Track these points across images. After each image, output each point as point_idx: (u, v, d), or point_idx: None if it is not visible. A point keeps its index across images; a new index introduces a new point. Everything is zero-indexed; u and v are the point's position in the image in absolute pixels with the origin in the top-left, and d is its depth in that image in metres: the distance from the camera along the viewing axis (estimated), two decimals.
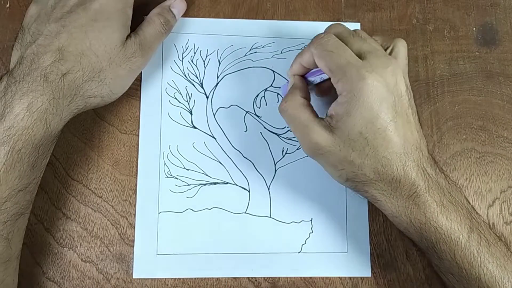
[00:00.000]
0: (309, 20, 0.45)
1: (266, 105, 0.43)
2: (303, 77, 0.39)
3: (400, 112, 0.34)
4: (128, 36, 0.37)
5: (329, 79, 0.36)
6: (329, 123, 0.35)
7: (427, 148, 0.36)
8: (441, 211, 0.34)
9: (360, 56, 0.34)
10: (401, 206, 0.35)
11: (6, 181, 0.32)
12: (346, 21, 0.45)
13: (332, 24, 0.37)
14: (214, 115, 0.42)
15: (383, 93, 0.33)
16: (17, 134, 0.32)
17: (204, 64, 0.43)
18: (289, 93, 0.38)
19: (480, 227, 0.34)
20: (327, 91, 0.40)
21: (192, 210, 0.40)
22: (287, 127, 0.42)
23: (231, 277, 0.40)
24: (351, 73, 0.33)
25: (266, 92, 0.43)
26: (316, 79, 0.38)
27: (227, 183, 0.41)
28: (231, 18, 0.44)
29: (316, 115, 0.36)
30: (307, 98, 0.38)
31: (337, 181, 0.37)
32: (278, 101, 0.43)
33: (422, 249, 0.37)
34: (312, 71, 0.38)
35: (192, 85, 0.43)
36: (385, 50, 0.38)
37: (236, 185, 0.41)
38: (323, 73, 0.36)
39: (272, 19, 0.44)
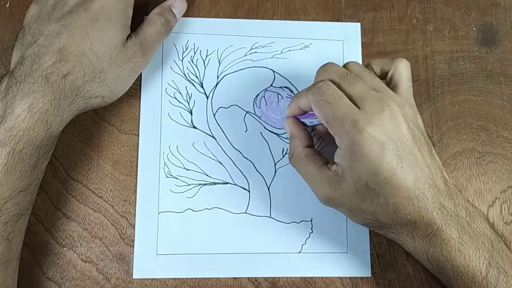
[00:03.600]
0: (309, 20, 0.45)
1: (266, 105, 0.43)
2: (298, 119, 0.39)
3: (404, 156, 0.33)
4: (129, 37, 0.37)
5: None
6: (336, 172, 0.34)
7: (443, 179, 0.35)
8: (459, 248, 0.33)
9: (355, 102, 0.33)
10: (419, 245, 0.35)
11: (7, 182, 0.32)
12: (346, 21, 0.45)
13: (325, 66, 0.36)
14: (214, 115, 0.42)
15: (382, 143, 0.32)
16: (18, 135, 0.32)
17: (204, 64, 0.43)
18: (291, 145, 0.38)
19: (501, 259, 0.34)
20: (327, 133, 0.39)
21: (192, 210, 0.40)
22: None
23: (231, 277, 0.40)
24: (347, 126, 0.33)
25: (266, 92, 0.43)
26: (313, 121, 0.38)
27: (227, 183, 0.41)
28: (231, 18, 0.44)
29: (322, 163, 0.36)
30: (310, 144, 0.38)
31: None
32: (278, 101, 0.43)
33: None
34: (309, 112, 0.37)
35: (192, 85, 0.43)
36: (385, 75, 0.38)
37: (236, 185, 0.41)
38: None
39: (272, 19, 0.44)
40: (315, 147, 0.40)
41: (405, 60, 0.38)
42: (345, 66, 0.37)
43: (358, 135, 0.32)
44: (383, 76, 0.39)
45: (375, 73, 0.39)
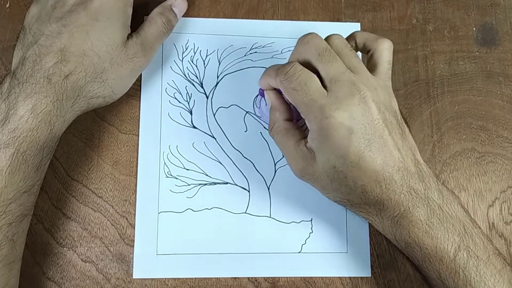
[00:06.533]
0: (309, 20, 0.45)
1: (266, 105, 0.43)
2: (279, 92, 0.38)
3: (373, 139, 0.33)
4: (130, 36, 0.37)
5: None
6: (310, 149, 0.35)
7: (414, 161, 0.35)
8: (426, 230, 0.33)
9: (326, 84, 0.33)
10: (387, 225, 0.35)
11: (11, 183, 0.32)
12: (346, 21, 0.45)
13: (306, 37, 0.35)
14: (214, 115, 0.42)
15: (350, 128, 0.32)
16: (22, 136, 0.32)
17: (204, 64, 0.43)
18: (271, 117, 0.38)
19: (473, 243, 0.33)
20: None
21: (192, 210, 0.40)
22: None
23: (231, 277, 0.40)
24: (315, 112, 0.33)
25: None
26: None
27: (227, 183, 0.41)
28: (231, 18, 0.44)
29: (300, 137, 0.36)
30: (289, 117, 0.38)
31: None
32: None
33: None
34: None
35: (192, 85, 0.43)
36: (367, 52, 0.37)
37: (236, 185, 0.41)
38: None
39: (272, 19, 0.44)
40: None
41: (389, 41, 0.37)
42: (327, 39, 0.36)
43: (325, 120, 0.32)
44: (364, 51, 0.38)
45: (356, 46, 0.38)
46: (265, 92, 0.39)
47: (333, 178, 0.34)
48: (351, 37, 0.38)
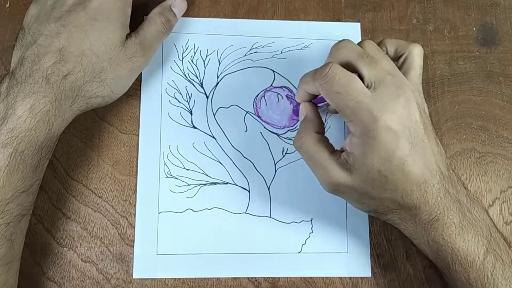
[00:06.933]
0: (309, 20, 0.45)
1: (266, 105, 0.43)
2: (313, 102, 0.38)
3: (416, 142, 0.33)
4: (129, 36, 0.37)
5: None
6: (346, 160, 0.34)
7: (446, 165, 0.35)
8: (459, 232, 0.34)
9: (370, 85, 0.33)
10: (420, 229, 0.35)
11: (10, 183, 0.32)
12: (346, 21, 0.45)
13: (340, 43, 0.35)
14: (214, 115, 0.42)
15: (397, 130, 0.32)
16: (20, 135, 0.32)
17: (204, 64, 0.43)
18: (302, 127, 0.37)
19: (498, 247, 0.34)
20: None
21: (192, 210, 0.40)
22: (287, 127, 0.42)
23: (231, 277, 0.40)
24: (362, 115, 0.32)
25: (266, 92, 0.43)
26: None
27: (227, 183, 0.41)
28: (231, 18, 0.44)
29: (332, 150, 0.36)
30: (321, 131, 0.37)
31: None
32: (278, 101, 0.43)
33: (438, 268, 0.37)
34: (320, 96, 0.36)
35: (192, 85, 0.43)
36: (399, 57, 0.37)
37: (236, 185, 0.41)
38: None
39: (272, 19, 0.44)
40: None
41: (420, 46, 0.37)
42: (360, 44, 0.36)
43: (374, 123, 0.32)
44: (395, 58, 0.38)
45: (387, 54, 0.38)
46: (301, 104, 0.38)
47: (375, 183, 0.33)
48: (381, 44, 0.38)
